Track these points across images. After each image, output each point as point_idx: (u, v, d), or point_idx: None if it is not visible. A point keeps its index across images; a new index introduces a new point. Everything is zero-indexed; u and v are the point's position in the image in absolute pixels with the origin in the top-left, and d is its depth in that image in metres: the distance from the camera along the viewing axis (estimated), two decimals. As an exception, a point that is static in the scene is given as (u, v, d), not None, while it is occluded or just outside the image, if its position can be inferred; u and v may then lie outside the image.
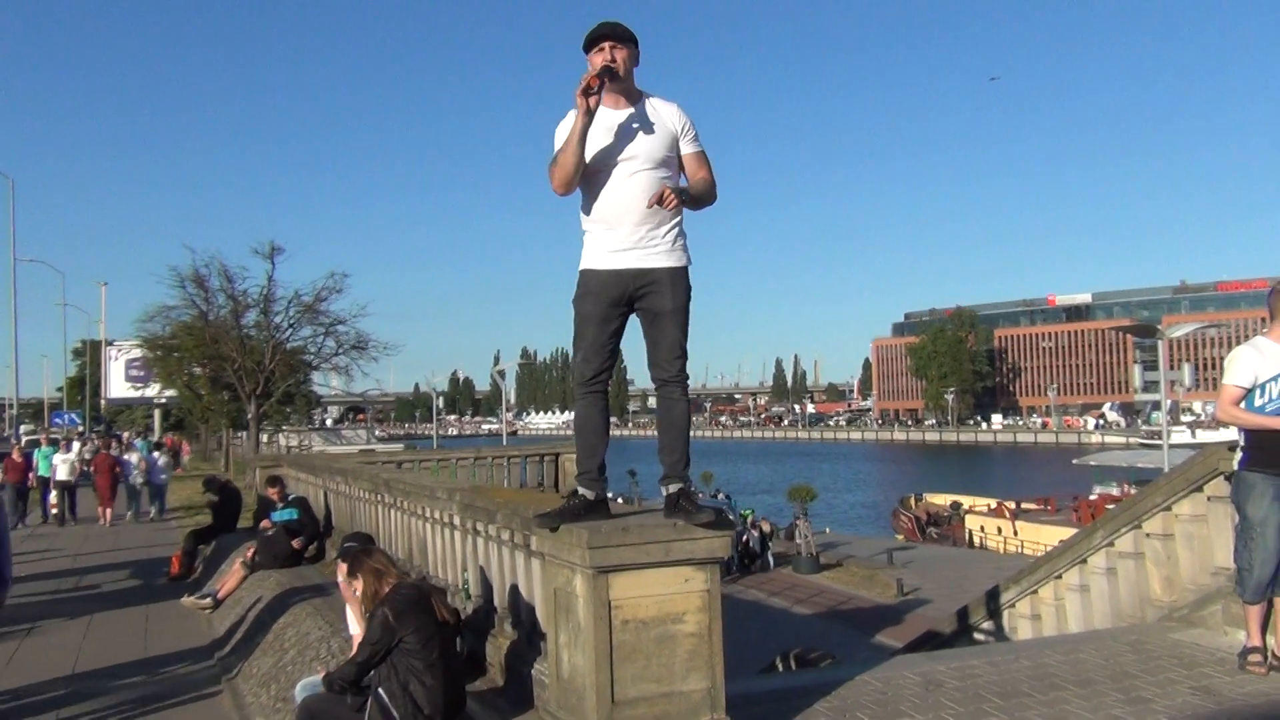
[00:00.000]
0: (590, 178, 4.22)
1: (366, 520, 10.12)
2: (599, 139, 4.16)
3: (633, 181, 4.20)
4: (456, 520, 6.80)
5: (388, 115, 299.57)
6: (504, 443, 49.12)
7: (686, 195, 4.17)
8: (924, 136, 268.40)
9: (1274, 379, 5.19)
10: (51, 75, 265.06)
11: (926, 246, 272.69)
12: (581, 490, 4.35)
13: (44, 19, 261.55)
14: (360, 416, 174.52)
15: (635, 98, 4.26)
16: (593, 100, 4.02)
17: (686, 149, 4.35)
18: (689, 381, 4.49)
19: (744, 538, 29.48)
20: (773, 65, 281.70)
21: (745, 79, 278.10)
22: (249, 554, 11.43)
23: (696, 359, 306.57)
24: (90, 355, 65.14)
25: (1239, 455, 5.39)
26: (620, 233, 4.21)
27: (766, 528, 31.96)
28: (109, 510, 21.80)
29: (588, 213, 4.30)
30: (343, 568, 5.67)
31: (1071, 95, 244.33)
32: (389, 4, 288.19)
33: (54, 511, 21.97)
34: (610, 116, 4.19)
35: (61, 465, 22.23)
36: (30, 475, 22.52)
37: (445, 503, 6.99)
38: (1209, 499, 6.34)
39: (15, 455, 22.49)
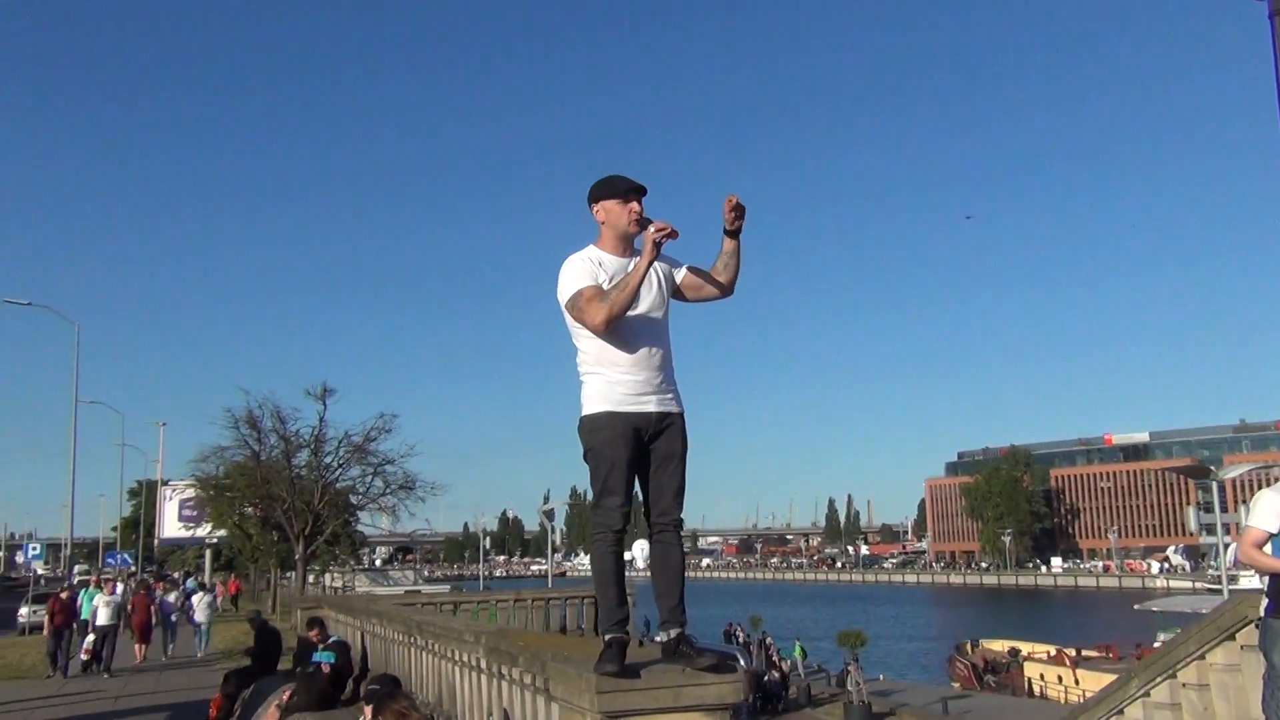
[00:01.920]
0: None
1: (400, 662, 10.14)
2: None
3: (653, 327, 4.39)
4: (483, 664, 6.83)
5: (439, 259, 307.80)
6: (549, 584, 48.73)
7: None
8: (976, 273, 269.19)
9: None
10: (116, 222, 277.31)
11: (979, 385, 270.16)
12: (618, 635, 4.22)
13: (106, 170, 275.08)
14: (409, 557, 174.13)
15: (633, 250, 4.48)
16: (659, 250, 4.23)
17: (683, 271, 4.58)
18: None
19: (764, 678, 28.71)
20: (825, 206, 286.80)
21: (789, 214, 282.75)
22: (284, 696, 11.44)
23: (748, 499, 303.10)
24: (146, 495, 66.11)
25: (1264, 602, 5.32)
26: (642, 376, 4.31)
27: (786, 666, 31.26)
28: (144, 648, 21.80)
29: (605, 355, 4.33)
30: (367, 711, 5.73)
31: (1128, 230, 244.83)
32: (440, 147, 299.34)
33: (85, 658, 20.48)
34: (629, 265, 4.37)
35: (103, 608, 20.53)
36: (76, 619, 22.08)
37: (473, 646, 7.04)
38: (1242, 647, 6.23)
39: (62, 596, 21.19)
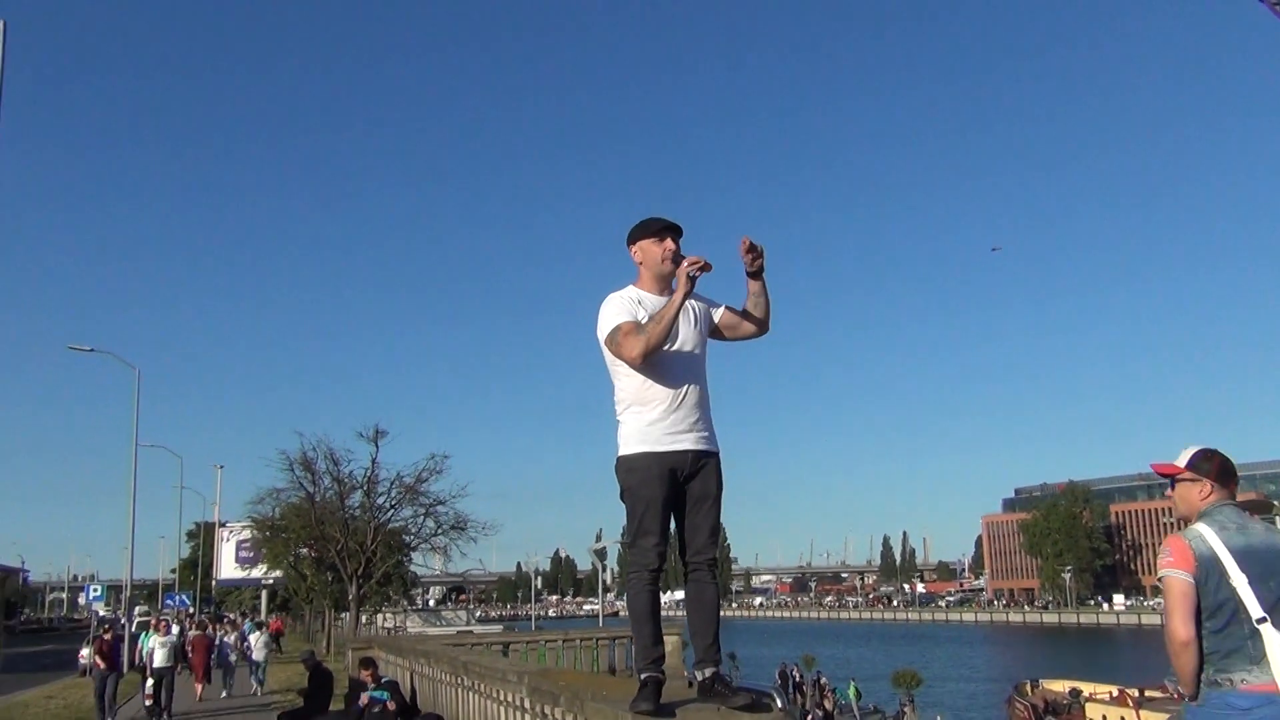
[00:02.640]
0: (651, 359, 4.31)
1: (447, 702, 10.23)
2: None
3: (691, 362, 4.42)
4: (526, 703, 6.90)
5: (490, 301, 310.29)
6: (600, 624, 48.56)
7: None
8: (1033, 307, 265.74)
9: None
10: (175, 268, 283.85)
11: (1035, 420, 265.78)
12: (653, 674, 4.24)
13: (164, 218, 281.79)
14: (462, 597, 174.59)
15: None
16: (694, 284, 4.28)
17: (720, 311, 4.63)
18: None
19: (808, 716, 28.49)
20: (876, 243, 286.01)
21: (840, 254, 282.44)
22: (336, 737, 11.58)
23: (802, 536, 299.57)
24: (204, 537, 67.05)
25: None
26: (678, 415, 4.32)
27: (829, 704, 30.96)
28: (202, 686, 22.12)
29: (642, 394, 4.34)
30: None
31: (1190, 263, 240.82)
32: (493, 190, 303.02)
33: (148, 703, 19.49)
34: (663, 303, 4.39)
35: (159, 650, 19.78)
36: (134, 660, 22.32)
37: (516, 685, 7.12)
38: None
39: (105, 638, 20.52)
